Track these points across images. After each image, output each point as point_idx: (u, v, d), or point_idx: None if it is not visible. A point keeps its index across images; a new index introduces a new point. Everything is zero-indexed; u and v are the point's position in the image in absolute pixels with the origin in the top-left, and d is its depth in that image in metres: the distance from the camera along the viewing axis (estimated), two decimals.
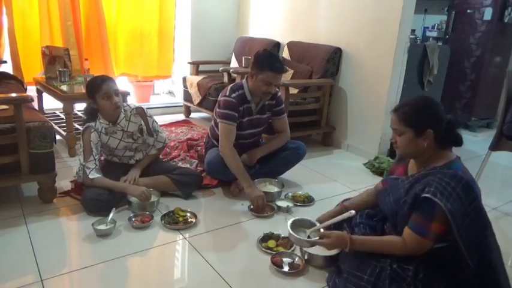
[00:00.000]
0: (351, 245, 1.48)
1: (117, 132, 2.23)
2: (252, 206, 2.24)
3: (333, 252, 1.69)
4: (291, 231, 1.68)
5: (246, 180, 2.28)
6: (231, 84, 2.46)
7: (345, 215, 1.66)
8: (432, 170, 1.42)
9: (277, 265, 1.68)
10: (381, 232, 1.63)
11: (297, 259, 1.73)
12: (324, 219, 1.89)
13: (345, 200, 1.94)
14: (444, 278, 1.38)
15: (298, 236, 1.67)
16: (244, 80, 2.42)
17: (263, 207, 2.21)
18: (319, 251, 1.70)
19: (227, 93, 2.37)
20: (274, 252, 1.79)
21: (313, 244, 1.64)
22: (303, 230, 1.78)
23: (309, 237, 1.70)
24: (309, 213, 2.22)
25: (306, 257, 1.74)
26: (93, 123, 2.18)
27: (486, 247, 1.34)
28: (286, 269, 1.68)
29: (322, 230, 1.67)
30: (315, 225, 1.78)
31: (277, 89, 2.54)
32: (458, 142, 1.47)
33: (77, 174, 2.18)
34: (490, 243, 1.35)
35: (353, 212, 1.65)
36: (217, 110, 2.39)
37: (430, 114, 1.46)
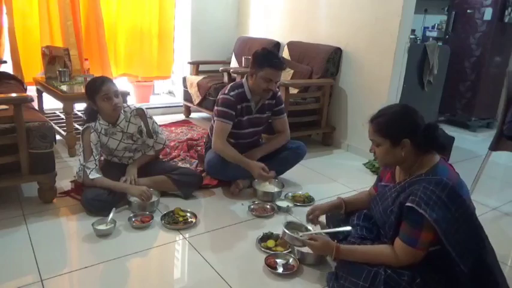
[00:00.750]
0: (336, 253, 1.49)
1: (117, 133, 2.23)
2: (252, 206, 2.25)
3: None
4: (285, 229, 1.72)
5: (245, 162, 2.33)
6: (231, 83, 2.47)
7: (341, 228, 1.68)
8: (417, 178, 1.41)
9: (271, 267, 1.68)
10: (378, 234, 1.62)
11: (291, 260, 1.73)
12: (319, 208, 1.90)
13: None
14: (441, 281, 1.37)
15: (291, 234, 1.70)
16: (244, 79, 2.43)
17: (269, 177, 2.32)
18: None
19: (226, 91, 2.39)
20: (272, 252, 1.80)
21: (303, 244, 1.66)
22: (297, 232, 1.81)
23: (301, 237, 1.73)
24: None
25: (298, 256, 1.74)
26: (92, 124, 2.18)
27: (482, 250, 1.33)
28: (280, 270, 1.68)
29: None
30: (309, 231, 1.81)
31: (278, 89, 2.54)
32: (440, 147, 1.44)
33: (77, 174, 2.18)
34: (485, 246, 1.34)
35: (349, 228, 1.66)
36: (215, 107, 2.41)
37: (405, 123, 1.44)
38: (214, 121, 2.43)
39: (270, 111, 2.54)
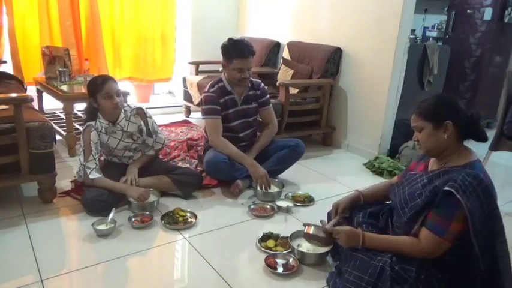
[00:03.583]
0: (362, 240, 1.49)
1: (117, 132, 2.23)
2: (252, 206, 2.24)
3: (323, 250, 1.72)
4: (309, 223, 1.72)
5: (246, 160, 2.37)
6: (211, 80, 2.53)
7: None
8: (454, 168, 1.41)
9: (271, 267, 1.68)
10: (384, 230, 1.62)
11: (291, 260, 1.73)
12: (341, 203, 1.83)
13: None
14: (445, 279, 1.37)
15: (317, 226, 1.70)
16: (222, 73, 2.49)
17: (268, 184, 2.33)
18: (310, 249, 1.75)
19: (206, 89, 2.46)
20: (272, 252, 1.79)
21: (327, 236, 1.65)
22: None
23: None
24: (309, 213, 2.23)
25: (298, 256, 1.74)
26: (93, 123, 2.18)
27: (498, 252, 1.34)
28: (280, 270, 1.68)
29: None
30: None
31: (260, 80, 2.61)
32: (482, 137, 1.45)
33: (77, 174, 2.18)
34: (501, 249, 1.35)
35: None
36: (201, 107, 2.48)
37: (447, 106, 1.45)
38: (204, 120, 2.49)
39: (256, 102, 2.58)
